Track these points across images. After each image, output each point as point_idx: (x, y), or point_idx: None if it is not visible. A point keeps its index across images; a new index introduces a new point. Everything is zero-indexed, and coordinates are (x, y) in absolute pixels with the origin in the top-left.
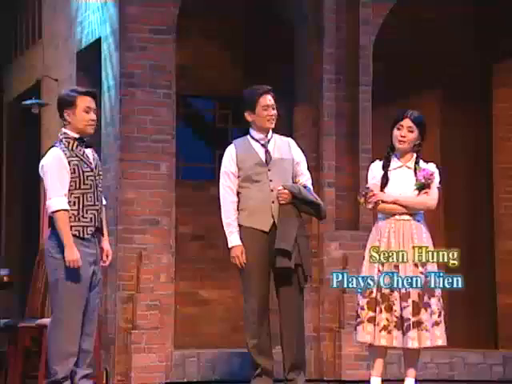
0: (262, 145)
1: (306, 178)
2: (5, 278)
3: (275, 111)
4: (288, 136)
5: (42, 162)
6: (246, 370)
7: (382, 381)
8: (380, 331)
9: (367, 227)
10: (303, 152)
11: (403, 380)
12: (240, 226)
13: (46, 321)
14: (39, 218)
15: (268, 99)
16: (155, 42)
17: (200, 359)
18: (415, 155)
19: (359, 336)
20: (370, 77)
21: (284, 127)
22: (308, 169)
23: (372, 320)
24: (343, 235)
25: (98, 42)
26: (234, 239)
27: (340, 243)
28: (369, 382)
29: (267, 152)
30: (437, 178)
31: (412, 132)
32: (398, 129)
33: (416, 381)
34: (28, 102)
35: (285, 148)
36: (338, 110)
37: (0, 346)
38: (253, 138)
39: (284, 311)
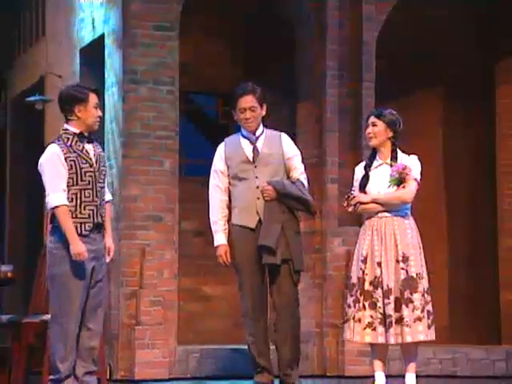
0: (251, 142)
1: (299, 172)
2: (8, 274)
3: (254, 113)
4: (291, 132)
5: (41, 159)
6: (248, 366)
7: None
8: (364, 328)
9: None
10: (305, 148)
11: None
12: (232, 223)
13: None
14: (43, 213)
15: (244, 101)
16: (158, 38)
17: (203, 355)
18: (392, 151)
19: (345, 334)
20: (373, 73)
21: (287, 123)
22: (302, 162)
23: (356, 317)
24: (346, 231)
25: (102, 38)
26: (218, 238)
27: (343, 239)
28: (372, 377)
29: (255, 149)
30: (415, 170)
31: (376, 125)
32: (365, 127)
33: (417, 376)
34: (32, 98)
35: (275, 143)
36: (341, 107)
37: (4, 343)
38: (242, 134)
39: (278, 307)
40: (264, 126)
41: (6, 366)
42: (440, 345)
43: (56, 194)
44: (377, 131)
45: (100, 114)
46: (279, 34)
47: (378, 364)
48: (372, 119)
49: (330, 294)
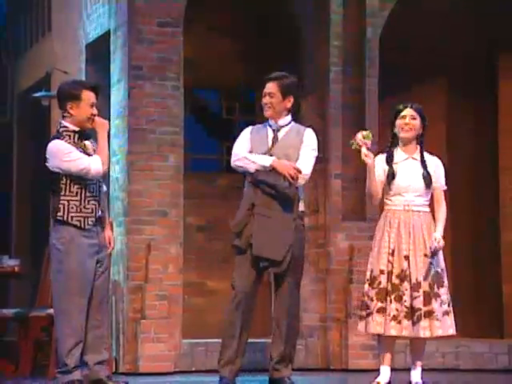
0: (273, 130)
1: (300, 162)
2: (15, 269)
3: (272, 99)
4: None
5: (54, 155)
6: (252, 360)
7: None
8: (390, 321)
9: (374, 218)
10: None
11: (410, 369)
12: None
13: None
14: (49, 208)
15: (266, 87)
16: (163, 34)
17: (208, 349)
18: (419, 147)
19: (370, 327)
20: (377, 68)
21: None
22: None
23: (382, 310)
24: (350, 226)
25: (107, 34)
26: (263, 159)
27: (347, 234)
28: (376, 371)
29: (275, 138)
30: (441, 176)
31: (415, 119)
32: (402, 118)
33: (422, 370)
34: (38, 94)
35: (297, 135)
36: (345, 102)
37: (11, 336)
38: (268, 124)
39: (276, 302)
40: (294, 119)
41: (14, 359)
42: (443, 338)
43: (89, 160)
44: (415, 124)
45: (94, 112)
46: (283, 29)
47: (386, 357)
48: (411, 112)
49: (333, 288)
